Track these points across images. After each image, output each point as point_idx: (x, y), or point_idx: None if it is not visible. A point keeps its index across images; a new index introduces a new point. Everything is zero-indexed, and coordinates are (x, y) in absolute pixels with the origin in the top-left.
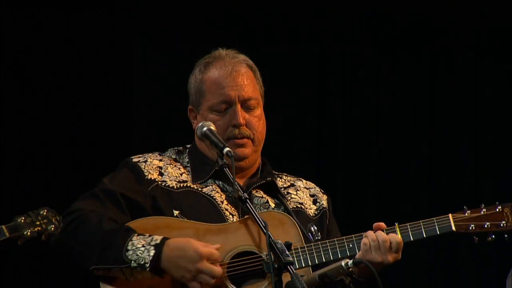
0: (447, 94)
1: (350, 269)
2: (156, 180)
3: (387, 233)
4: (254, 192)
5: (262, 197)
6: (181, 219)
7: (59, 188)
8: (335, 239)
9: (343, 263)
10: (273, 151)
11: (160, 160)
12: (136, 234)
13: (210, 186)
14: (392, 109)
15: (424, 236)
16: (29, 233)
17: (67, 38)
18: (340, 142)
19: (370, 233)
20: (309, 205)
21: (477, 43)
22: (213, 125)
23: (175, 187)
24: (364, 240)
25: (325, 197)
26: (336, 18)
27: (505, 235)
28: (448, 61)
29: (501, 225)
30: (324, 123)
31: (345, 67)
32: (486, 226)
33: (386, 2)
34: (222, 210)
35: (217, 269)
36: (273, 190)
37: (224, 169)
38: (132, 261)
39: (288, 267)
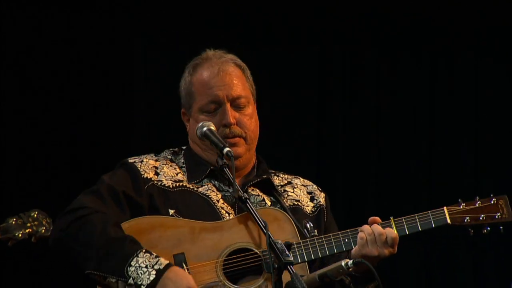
0: (447, 94)
1: (350, 269)
2: (152, 179)
3: (383, 227)
4: (250, 190)
5: (258, 195)
6: (177, 217)
7: (59, 188)
8: (330, 234)
9: (343, 263)
10: (273, 151)
11: (156, 161)
12: (143, 251)
13: (206, 186)
14: (392, 109)
15: (420, 229)
16: (20, 235)
17: (67, 38)
18: (340, 142)
19: (366, 227)
20: (306, 202)
21: (477, 43)
22: (213, 125)
23: (171, 186)
24: (361, 234)
25: (322, 194)
26: (336, 18)
27: (500, 227)
28: (448, 61)
29: (496, 217)
30: (324, 123)
31: (345, 67)
32: (481, 218)
33: (386, 2)
34: (218, 209)
35: None
36: (269, 188)
37: (224, 169)
38: (131, 278)
39: (288, 267)
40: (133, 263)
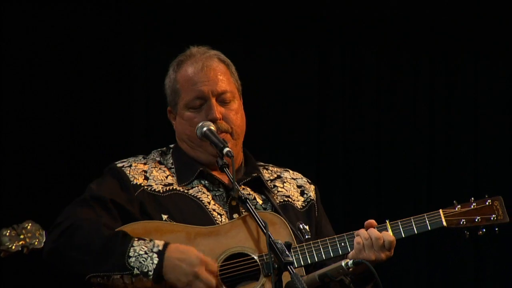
0: (447, 94)
1: (350, 269)
2: (142, 185)
3: (379, 231)
4: (241, 189)
5: (249, 194)
6: (173, 223)
7: (58, 188)
8: (327, 238)
9: (343, 263)
10: (273, 152)
11: (145, 164)
12: (136, 239)
13: (196, 187)
14: (392, 109)
15: (416, 232)
16: (13, 247)
17: (67, 38)
18: (340, 142)
19: (362, 231)
20: (297, 197)
21: (476, 44)
22: (213, 125)
23: (161, 191)
24: (357, 239)
25: (312, 187)
26: (336, 19)
27: (496, 228)
28: (448, 62)
29: (492, 218)
30: (324, 124)
31: (345, 68)
32: (477, 220)
33: (386, 4)
34: (210, 211)
35: (214, 281)
36: (259, 186)
37: (224, 169)
38: (135, 269)
39: (288, 267)
40: (131, 253)
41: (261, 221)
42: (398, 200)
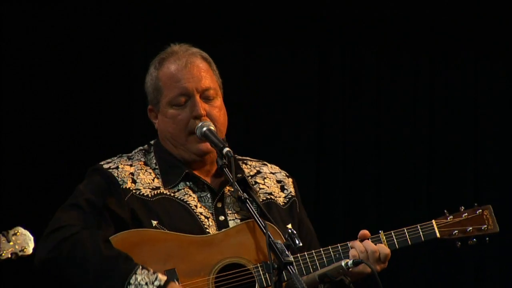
0: (447, 94)
1: (350, 269)
2: (131, 189)
3: (373, 242)
4: (226, 190)
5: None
6: (164, 231)
7: (58, 188)
8: (321, 249)
9: (343, 263)
10: (273, 152)
11: (131, 165)
12: (140, 268)
13: (182, 190)
14: (392, 110)
15: (410, 243)
16: (3, 254)
17: (67, 38)
18: (340, 142)
19: (357, 243)
20: (278, 193)
21: (476, 44)
22: (212, 126)
23: (149, 196)
24: (353, 252)
25: (290, 181)
26: (336, 19)
27: (487, 238)
28: (447, 62)
29: (483, 228)
30: (324, 124)
31: (345, 68)
32: (468, 230)
33: (386, 4)
34: (197, 215)
35: None
36: (243, 185)
37: (224, 169)
38: None
39: (288, 267)
40: (132, 281)
41: (261, 221)
42: (398, 200)
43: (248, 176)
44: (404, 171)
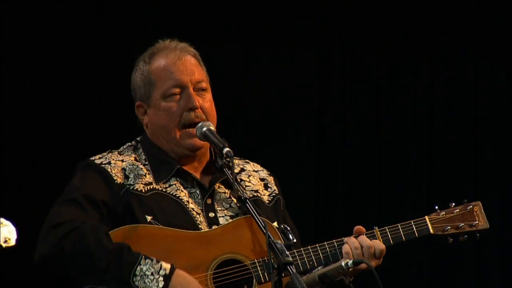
0: (447, 94)
1: (350, 269)
2: (125, 184)
3: (367, 238)
4: (216, 187)
5: (225, 192)
6: (161, 226)
7: (58, 188)
8: (317, 245)
9: (343, 263)
10: (273, 152)
11: (122, 161)
12: (143, 258)
13: (174, 185)
14: (392, 109)
15: (404, 239)
16: None
17: (67, 38)
18: (340, 143)
19: (352, 239)
20: (262, 191)
21: (476, 44)
22: (212, 125)
23: (143, 191)
24: (345, 248)
25: (272, 179)
26: (336, 19)
27: (477, 234)
28: (448, 61)
29: (474, 224)
30: (324, 125)
31: (344, 68)
32: (461, 226)
33: (386, 4)
34: (190, 210)
35: None
36: (231, 183)
37: (224, 169)
38: None
39: (288, 267)
40: (137, 272)
41: (261, 221)
42: (398, 200)
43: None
44: (404, 171)
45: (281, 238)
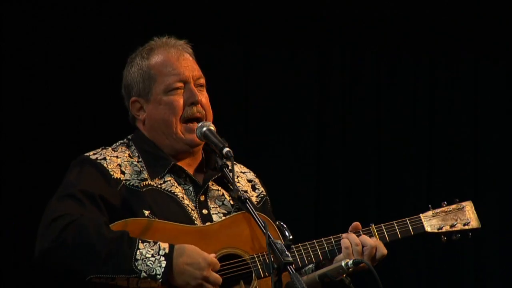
0: (447, 94)
1: (350, 269)
2: (121, 179)
3: (363, 234)
4: (210, 184)
5: (218, 190)
6: (161, 220)
7: (52, 185)
8: (314, 241)
9: (343, 263)
10: (273, 152)
11: (117, 157)
12: (140, 241)
13: (168, 181)
14: (392, 109)
15: (399, 237)
16: None
17: (67, 38)
18: (340, 142)
19: (352, 236)
20: (250, 192)
21: (476, 45)
22: (212, 125)
23: (139, 186)
24: (346, 243)
25: (258, 180)
26: (336, 19)
27: (469, 233)
28: (448, 61)
29: (467, 223)
30: (324, 126)
31: (345, 67)
32: (455, 225)
33: (385, 5)
34: (185, 206)
35: (220, 279)
36: (223, 181)
37: (224, 169)
38: (142, 272)
39: (288, 267)
40: (138, 256)
41: (261, 221)
42: (398, 200)
43: None
44: (404, 171)
45: (280, 238)
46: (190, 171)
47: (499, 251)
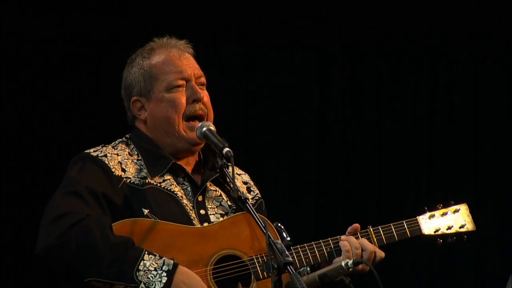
0: (447, 94)
1: (350, 269)
2: (122, 177)
3: (361, 237)
4: (208, 185)
5: (216, 191)
6: (161, 221)
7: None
8: (313, 243)
9: (343, 263)
10: (274, 152)
11: (117, 155)
12: (146, 253)
13: (168, 180)
14: (392, 109)
15: (396, 239)
16: None
17: (67, 38)
18: (340, 142)
19: (352, 240)
20: (246, 194)
21: (476, 44)
22: (212, 125)
23: (139, 184)
24: (346, 246)
25: (253, 183)
26: (336, 19)
27: (465, 236)
28: (448, 62)
29: (463, 226)
30: (324, 124)
31: (345, 68)
32: (451, 227)
33: (385, 7)
34: (184, 205)
35: None
36: (221, 182)
37: (224, 169)
38: (142, 283)
39: (288, 267)
40: (141, 267)
41: (261, 221)
42: (398, 200)
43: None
44: (404, 171)
45: (279, 239)
46: (189, 170)
47: (499, 251)
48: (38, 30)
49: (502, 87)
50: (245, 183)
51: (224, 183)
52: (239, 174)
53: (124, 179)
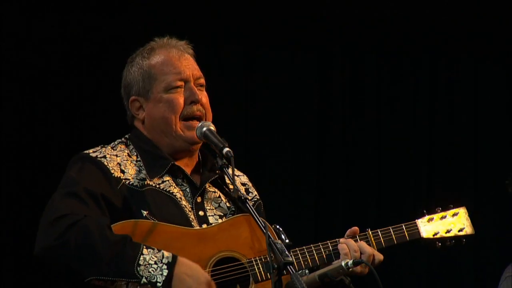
0: (447, 94)
1: (350, 269)
2: (121, 178)
3: (360, 240)
4: (207, 186)
5: (215, 192)
6: (160, 222)
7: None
8: (312, 245)
9: (343, 263)
10: (274, 152)
11: (117, 156)
12: (144, 247)
13: (167, 181)
14: (392, 109)
15: (395, 242)
16: None
17: (67, 38)
18: (340, 142)
19: (351, 243)
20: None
21: (476, 44)
22: (212, 125)
23: (138, 186)
24: (345, 250)
25: (251, 184)
26: (336, 19)
27: (463, 240)
28: (448, 62)
29: (461, 229)
30: (324, 124)
31: (345, 68)
32: (450, 231)
33: (385, 7)
34: (183, 207)
35: None
36: (219, 183)
37: (224, 169)
38: (143, 277)
39: (288, 267)
40: (141, 262)
41: (261, 221)
42: (398, 200)
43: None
44: (404, 171)
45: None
46: (187, 171)
47: (498, 251)
48: (38, 30)
49: (502, 87)
50: (243, 184)
51: (222, 184)
52: (237, 175)
53: (123, 180)
